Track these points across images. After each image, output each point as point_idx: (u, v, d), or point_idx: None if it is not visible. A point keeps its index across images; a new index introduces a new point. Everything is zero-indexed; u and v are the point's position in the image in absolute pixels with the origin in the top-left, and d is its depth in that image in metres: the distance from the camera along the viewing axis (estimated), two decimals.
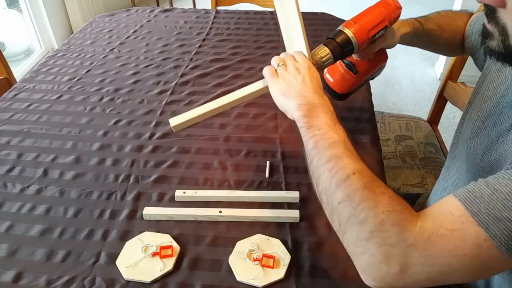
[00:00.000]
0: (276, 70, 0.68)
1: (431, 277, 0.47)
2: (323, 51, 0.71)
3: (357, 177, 0.52)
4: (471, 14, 0.91)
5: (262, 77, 0.71)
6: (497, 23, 0.51)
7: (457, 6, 2.37)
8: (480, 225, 0.44)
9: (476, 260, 0.45)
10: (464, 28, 0.89)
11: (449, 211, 0.47)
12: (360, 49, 0.74)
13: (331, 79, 0.85)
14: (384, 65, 0.87)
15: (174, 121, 0.68)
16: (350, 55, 0.75)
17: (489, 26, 0.52)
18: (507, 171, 0.46)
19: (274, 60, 0.69)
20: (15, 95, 1.14)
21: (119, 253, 0.71)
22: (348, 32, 0.71)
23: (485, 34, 0.54)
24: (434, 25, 0.87)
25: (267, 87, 0.69)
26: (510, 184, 0.44)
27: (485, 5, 0.52)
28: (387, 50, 0.86)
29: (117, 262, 0.70)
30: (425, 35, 0.87)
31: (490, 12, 0.51)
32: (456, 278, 0.47)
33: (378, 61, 0.85)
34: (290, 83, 0.64)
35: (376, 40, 0.76)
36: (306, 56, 0.68)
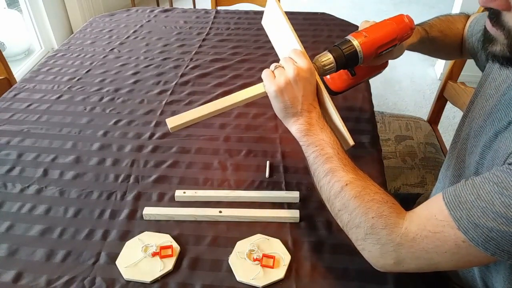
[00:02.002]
0: (273, 71, 0.68)
1: (420, 267, 0.55)
2: (327, 59, 0.69)
3: (349, 187, 0.59)
4: (469, 16, 0.91)
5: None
6: (503, 26, 0.50)
7: (457, 6, 2.37)
8: (460, 229, 0.50)
9: (456, 256, 0.51)
10: (463, 31, 0.89)
11: (434, 215, 0.52)
12: (365, 61, 0.73)
13: (328, 76, 0.84)
14: (383, 70, 0.87)
15: (171, 122, 0.67)
16: (354, 66, 0.74)
17: (493, 31, 0.52)
18: (495, 173, 0.49)
19: (273, 65, 0.69)
20: (15, 95, 1.14)
21: (119, 253, 0.71)
22: (356, 45, 0.70)
23: (487, 39, 0.53)
24: (438, 32, 0.87)
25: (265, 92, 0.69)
26: (492, 192, 0.48)
27: (489, 9, 0.51)
28: None
29: (117, 262, 0.70)
30: (430, 43, 0.87)
31: (494, 16, 0.50)
32: (441, 267, 0.54)
33: (378, 67, 0.84)
34: (290, 98, 0.65)
35: (383, 54, 0.75)
36: (305, 57, 0.67)
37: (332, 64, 0.70)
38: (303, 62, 0.66)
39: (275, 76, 0.66)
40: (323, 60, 0.70)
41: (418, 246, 0.53)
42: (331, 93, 0.86)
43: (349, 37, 0.71)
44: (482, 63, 0.83)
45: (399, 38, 0.73)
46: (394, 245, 0.54)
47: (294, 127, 0.67)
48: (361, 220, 0.57)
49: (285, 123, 0.69)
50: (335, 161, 0.62)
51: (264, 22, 0.82)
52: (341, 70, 0.82)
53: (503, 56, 0.52)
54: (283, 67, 0.67)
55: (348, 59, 0.70)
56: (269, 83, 0.66)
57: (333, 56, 0.69)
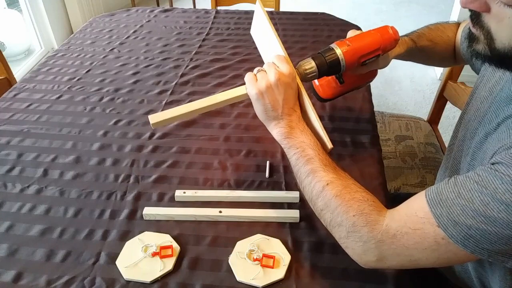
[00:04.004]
0: (256, 75, 0.69)
1: (401, 264, 0.56)
2: (309, 65, 0.71)
3: (330, 187, 0.61)
4: (459, 23, 0.91)
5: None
6: (482, 27, 0.52)
7: (457, 5, 2.37)
8: (439, 226, 0.50)
9: (436, 253, 0.52)
10: (454, 38, 0.90)
11: (415, 212, 0.53)
12: (348, 70, 0.74)
13: (317, 82, 0.85)
14: (372, 80, 0.88)
15: (153, 118, 0.69)
16: (337, 74, 0.75)
17: (474, 30, 0.53)
18: (477, 172, 0.50)
19: (256, 68, 0.70)
20: (15, 95, 1.14)
21: (119, 253, 0.71)
22: (339, 53, 0.71)
23: (471, 38, 0.55)
24: (427, 41, 0.87)
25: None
26: (473, 190, 0.49)
27: (470, 10, 0.52)
28: None
29: (117, 262, 0.70)
30: (418, 52, 0.88)
31: (475, 17, 0.52)
32: (422, 264, 0.55)
33: (366, 76, 0.85)
34: (270, 102, 0.67)
35: (367, 64, 0.76)
36: (288, 62, 0.68)
37: (314, 70, 0.71)
38: (285, 67, 0.67)
39: (257, 79, 0.68)
40: (305, 66, 0.71)
41: (399, 243, 0.54)
42: (320, 100, 0.87)
43: (333, 45, 0.73)
44: (477, 66, 0.83)
45: (382, 48, 0.74)
46: (375, 242, 0.55)
47: (275, 130, 0.69)
48: (342, 218, 0.59)
49: (267, 126, 0.70)
50: (316, 162, 0.63)
51: (252, 32, 0.83)
52: (330, 78, 0.83)
53: (485, 55, 0.53)
54: (265, 71, 0.68)
55: (330, 66, 0.71)
56: (251, 85, 0.68)
57: (316, 63, 0.71)
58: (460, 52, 0.89)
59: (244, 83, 0.70)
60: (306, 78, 0.72)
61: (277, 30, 1.47)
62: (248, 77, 0.69)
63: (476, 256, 0.50)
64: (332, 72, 0.73)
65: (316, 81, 0.85)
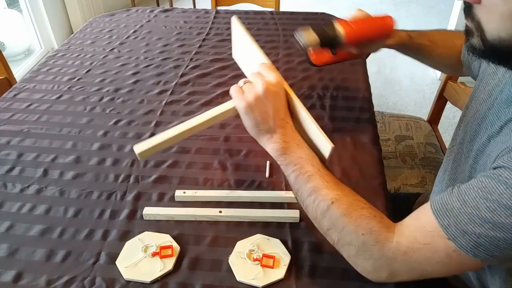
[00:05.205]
0: (242, 87, 0.66)
1: (413, 277, 0.56)
2: (312, 37, 0.79)
3: (336, 205, 0.58)
4: None
5: None
6: (473, 18, 0.52)
7: (457, 5, 2.37)
8: (449, 238, 0.49)
9: (447, 266, 0.51)
10: (461, 46, 0.90)
11: (423, 226, 0.52)
12: (343, 47, 0.83)
13: (311, 50, 0.92)
14: (365, 58, 0.97)
15: (138, 148, 0.63)
16: (333, 48, 0.84)
17: (467, 23, 0.54)
18: (480, 179, 0.49)
19: (241, 80, 0.67)
20: (15, 95, 1.14)
21: (119, 253, 0.71)
22: (341, 30, 0.81)
23: (467, 32, 0.55)
24: (427, 41, 0.88)
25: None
26: (477, 197, 0.48)
27: (464, 2, 0.53)
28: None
29: (117, 262, 0.70)
30: (413, 49, 0.88)
31: (467, 9, 0.53)
32: (433, 276, 0.54)
33: (357, 55, 0.93)
34: (260, 114, 0.63)
35: (362, 45, 0.85)
36: (274, 70, 0.65)
37: (315, 38, 0.79)
38: (271, 75, 0.64)
39: (243, 92, 0.65)
40: (308, 37, 0.79)
41: (411, 259, 0.53)
42: (311, 64, 0.95)
43: (336, 24, 0.82)
44: (475, 72, 0.83)
45: (381, 36, 0.85)
46: (386, 260, 0.55)
47: (270, 146, 0.65)
48: (351, 238, 0.57)
49: (259, 141, 0.67)
50: (317, 179, 0.61)
51: (234, 54, 0.82)
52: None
53: (480, 49, 0.53)
54: (251, 82, 0.65)
55: (329, 40, 0.81)
56: (238, 99, 0.65)
57: (317, 34, 0.80)
58: (461, 58, 0.89)
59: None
60: (307, 44, 0.79)
61: (277, 30, 1.47)
62: (233, 89, 0.66)
63: (488, 263, 0.49)
64: (329, 45, 0.83)
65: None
